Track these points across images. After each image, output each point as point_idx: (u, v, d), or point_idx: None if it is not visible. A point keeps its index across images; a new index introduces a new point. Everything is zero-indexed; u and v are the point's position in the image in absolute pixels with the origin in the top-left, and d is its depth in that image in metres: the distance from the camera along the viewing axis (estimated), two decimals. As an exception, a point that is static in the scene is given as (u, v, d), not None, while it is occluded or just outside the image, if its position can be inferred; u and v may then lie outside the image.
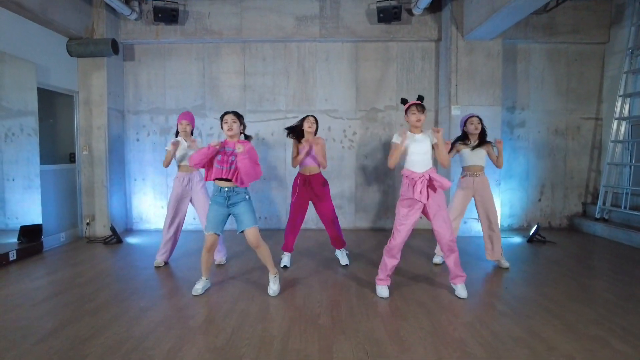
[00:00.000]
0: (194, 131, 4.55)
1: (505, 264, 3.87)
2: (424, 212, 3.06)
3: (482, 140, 3.81)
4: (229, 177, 2.98)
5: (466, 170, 3.84)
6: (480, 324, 2.59)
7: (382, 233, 5.53)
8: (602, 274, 3.67)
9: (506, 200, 5.75)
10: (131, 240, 5.19)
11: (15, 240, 4.29)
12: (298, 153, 3.77)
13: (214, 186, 3.08)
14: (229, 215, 3.10)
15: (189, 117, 3.94)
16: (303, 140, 3.69)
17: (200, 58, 5.73)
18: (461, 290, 3.07)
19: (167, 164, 3.88)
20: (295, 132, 3.78)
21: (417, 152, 3.01)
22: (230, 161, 2.98)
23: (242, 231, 3.04)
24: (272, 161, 5.77)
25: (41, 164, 4.51)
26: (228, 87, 5.73)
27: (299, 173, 3.83)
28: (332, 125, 5.68)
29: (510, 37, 5.55)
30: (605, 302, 2.97)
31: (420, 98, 3.13)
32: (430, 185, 2.99)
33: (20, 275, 3.66)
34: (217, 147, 2.99)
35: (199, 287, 3.17)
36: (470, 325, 2.59)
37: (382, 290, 3.11)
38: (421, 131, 3.08)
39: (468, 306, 2.90)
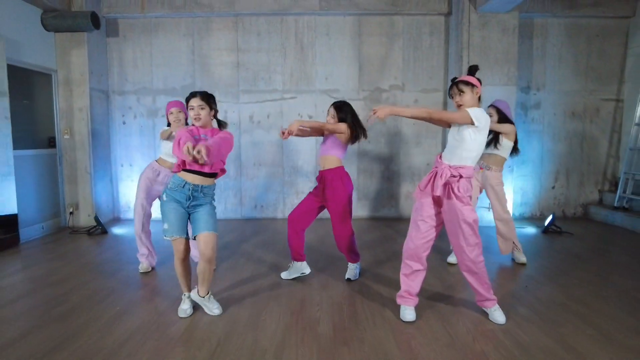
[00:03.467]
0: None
1: (522, 258, 3.54)
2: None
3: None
4: (204, 170, 2.36)
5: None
6: (504, 334, 2.26)
7: (384, 222, 5.19)
8: (629, 270, 3.32)
9: (518, 187, 5.38)
10: (117, 230, 4.85)
11: (-11, 231, 3.95)
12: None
13: (174, 179, 2.40)
14: (189, 216, 2.47)
15: (180, 104, 3.20)
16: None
17: (189, 34, 5.28)
18: (497, 315, 2.38)
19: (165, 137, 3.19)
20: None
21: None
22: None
23: (195, 236, 2.39)
24: (268, 146, 5.38)
25: (16, 148, 4.12)
26: (219, 65, 5.30)
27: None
28: (333, 107, 5.27)
29: (527, 10, 5.09)
30: (641, 304, 2.64)
31: (471, 69, 2.39)
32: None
33: (-11, 272, 3.33)
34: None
35: (186, 307, 2.51)
36: (492, 334, 2.25)
37: (406, 312, 2.43)
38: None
39: (487, 310, 2.57)
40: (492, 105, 3.45)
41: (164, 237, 2.40)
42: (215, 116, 2.52)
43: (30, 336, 2.24)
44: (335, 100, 3.04)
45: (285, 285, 3.02)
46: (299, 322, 2.42)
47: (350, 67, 5.30)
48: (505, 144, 3.36)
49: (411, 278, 2.43)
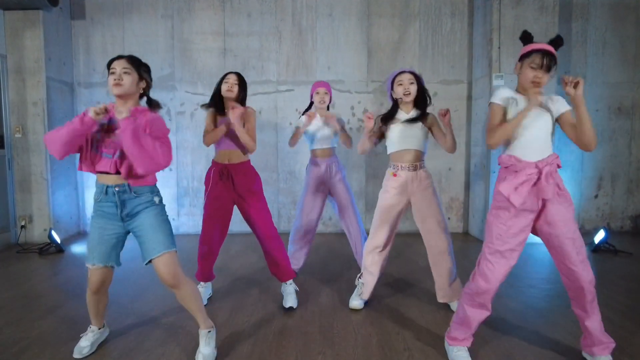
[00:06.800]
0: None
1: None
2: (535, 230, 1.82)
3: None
4: (118, 170, 1.74)
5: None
6: None
7: (399, 238, 4.36)
8: None
9: (555, 196, 4.57)
10: (78, 248, 4.03)
11: None
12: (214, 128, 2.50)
13: (96, 187, 1.83)
14: (127, 234, 1.85)
15: (326, 84, 3.00)
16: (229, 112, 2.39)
17: (168, 15, 4.50)
18: None
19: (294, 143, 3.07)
20: (215, 99, 2.51)
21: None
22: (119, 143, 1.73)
23: (149, 261, 1.77)
24: (260, 147, 4.56)
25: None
26: (203, 52, 4.52)
27: (212, 161, 2.57)
28: (337, 101, 4.48)
29: (565, -13, 4.33)
30: None
31: (556, 41, 1.74)
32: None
33: None
34: (97, 117, 1.68)
35: (85, 345, 1.95)
36: None
37: (459, 355, 1.84)
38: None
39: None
40: (410, 72, 2.35)
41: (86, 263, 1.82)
42: (146, 91, 1.92)
43: None
44: (231, 71, 2.53)
45: (277, 330, 2.19)
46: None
47: (357, 54, 4.51)
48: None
49: (478, 313, 1.82)
